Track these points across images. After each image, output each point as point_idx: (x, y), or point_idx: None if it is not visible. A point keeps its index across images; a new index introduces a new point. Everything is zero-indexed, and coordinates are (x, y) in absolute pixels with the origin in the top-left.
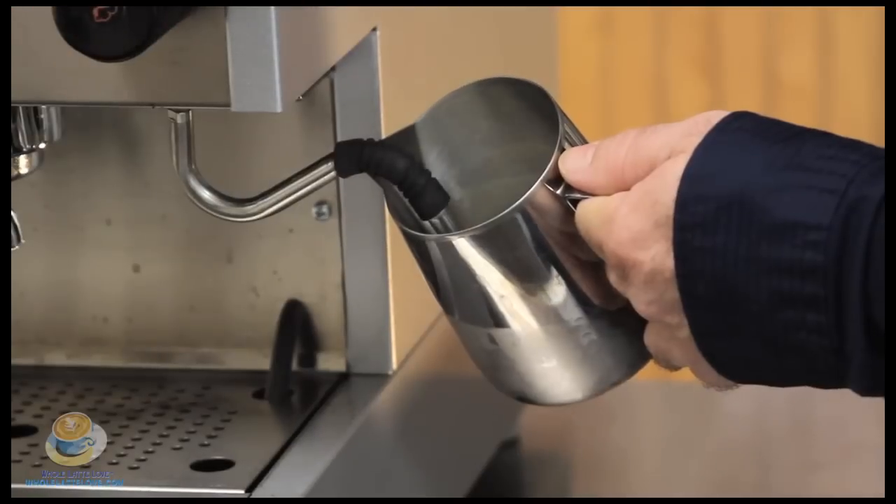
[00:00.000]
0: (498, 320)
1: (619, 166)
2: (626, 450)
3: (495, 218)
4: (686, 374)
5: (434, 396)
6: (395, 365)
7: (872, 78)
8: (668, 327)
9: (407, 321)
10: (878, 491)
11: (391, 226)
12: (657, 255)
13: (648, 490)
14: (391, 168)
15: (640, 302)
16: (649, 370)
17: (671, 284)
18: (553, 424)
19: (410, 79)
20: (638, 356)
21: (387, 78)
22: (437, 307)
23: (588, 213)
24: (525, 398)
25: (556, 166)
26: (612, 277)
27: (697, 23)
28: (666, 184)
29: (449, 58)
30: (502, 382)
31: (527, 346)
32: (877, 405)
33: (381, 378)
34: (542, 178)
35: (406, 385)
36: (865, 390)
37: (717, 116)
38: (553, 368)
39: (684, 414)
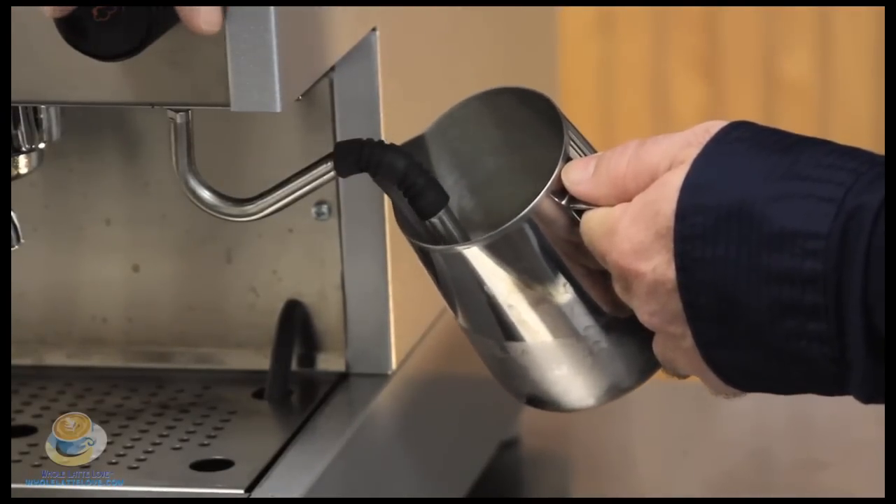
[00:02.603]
0: (507, 330)
1: (620, 177)
2: (626, 450)
3: (500, 229)
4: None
5: (434, 396)
6: (394, 365)
7: (872, 78)
8: (673, 337)
9: (406, 321)
10: (879, 491)
11: (391, 226)
12: (658, 266)
13: (648, 490)
14: (391, 168)
15: (644, 312)
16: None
17: (673, 295)
18: (553, 424)
19: (410, 79)
20: (649, 363)
21: (386, 78)
22: (436, 307)
23: (591, 223)
24: (538, 404)
25: (560, 177)
26: (617, 288)
27: (697, 23)
28: (666, 195)
29: (449, 58)
30: (515, 389)
31: (537, 354)
32: (877, 405)
33: (380, 378)
34: (546, 189)
35: (406, 385)
36: (867, 398)
37: (716, 126)
38: (564, 376)
39: (684, 414)
